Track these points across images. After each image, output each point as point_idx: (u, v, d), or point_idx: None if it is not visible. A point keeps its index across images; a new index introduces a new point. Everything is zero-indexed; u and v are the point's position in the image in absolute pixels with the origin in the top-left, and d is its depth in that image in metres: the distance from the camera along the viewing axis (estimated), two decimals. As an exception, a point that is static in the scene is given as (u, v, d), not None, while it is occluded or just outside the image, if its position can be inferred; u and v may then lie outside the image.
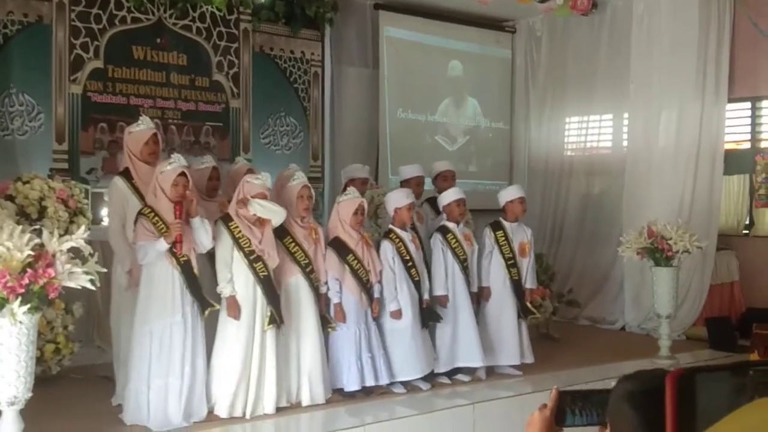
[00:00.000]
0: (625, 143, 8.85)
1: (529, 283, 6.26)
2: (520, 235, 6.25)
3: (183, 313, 4.67)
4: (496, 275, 6.12)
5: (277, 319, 4.93)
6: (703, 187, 8.00)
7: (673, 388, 1.40)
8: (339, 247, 5.38)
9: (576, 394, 1.77)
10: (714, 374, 1.49)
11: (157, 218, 4.65)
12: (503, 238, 6.15)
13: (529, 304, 6.28)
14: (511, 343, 6.07)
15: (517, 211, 6.23)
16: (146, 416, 4.61)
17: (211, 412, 4.84)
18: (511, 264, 6.12)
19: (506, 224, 6.21)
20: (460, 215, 6.00)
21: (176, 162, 4.73)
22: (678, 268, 6.69)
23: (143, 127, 5.18)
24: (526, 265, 6.22)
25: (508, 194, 6.29)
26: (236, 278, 4.87)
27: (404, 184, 6.47)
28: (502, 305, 6.12)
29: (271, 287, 4.95)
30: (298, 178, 5.32)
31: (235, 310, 4.84)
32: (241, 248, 4.87)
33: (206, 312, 4.78)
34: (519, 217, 6.26)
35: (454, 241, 5.90)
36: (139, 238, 4.66)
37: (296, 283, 5.19)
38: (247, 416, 4.85)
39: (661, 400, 1.43)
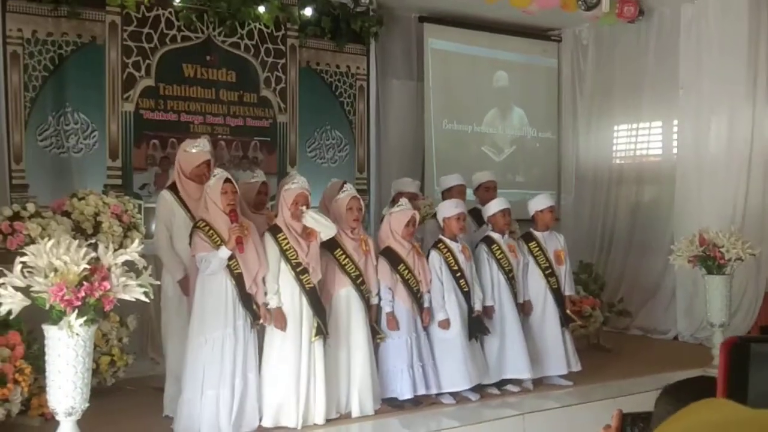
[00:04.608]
0: (675, 150, 8.73)
1: (567, 290, 6.20)
2: (554, 243, 6.18)
3: (235, 325, 4.73)
4: (536, 286, 6.07)
5: (323, 330, 4.97)
6: (756, 193, 7.84)
7: (725, 356, 1.37)
8: (391, 256, 5.42)
9: (638, 416, 1.76)
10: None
11: (212, 231, 4.74)
12: (537, 248, 6.10)
13: (569, 312, 6.23)
14: (557, 352, 6.02)
15: (547, 220, 6.17)
16: (198, 427, 4.65)
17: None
18: (549, 273, 6.07)
19: (537, 234, 6.16)
20: (505, 225, 5.97)
21: (219, 173, 4.84)
22: (731, 276, 6.59)
23: (198, 150, 5.25)
24: (564, 272, 6.17)
25: (538, 204, 6.20)
26: (283, 290, 4.91)
27: (446, 193, 6.46)
28: (544, 316, 6.06)
29: (316, 299, 5.00)
30: (347, 190, 5.36)
31: (281, 321, 4.87)
32: (288, 260, 4.91)
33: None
34: (549, 226, 6.21)
35: (499, 252, 5.88)
36: (197, 250, 4.73)
37: (347, 294, 5.22)
38: (298, 427, 4.87)
39: None
